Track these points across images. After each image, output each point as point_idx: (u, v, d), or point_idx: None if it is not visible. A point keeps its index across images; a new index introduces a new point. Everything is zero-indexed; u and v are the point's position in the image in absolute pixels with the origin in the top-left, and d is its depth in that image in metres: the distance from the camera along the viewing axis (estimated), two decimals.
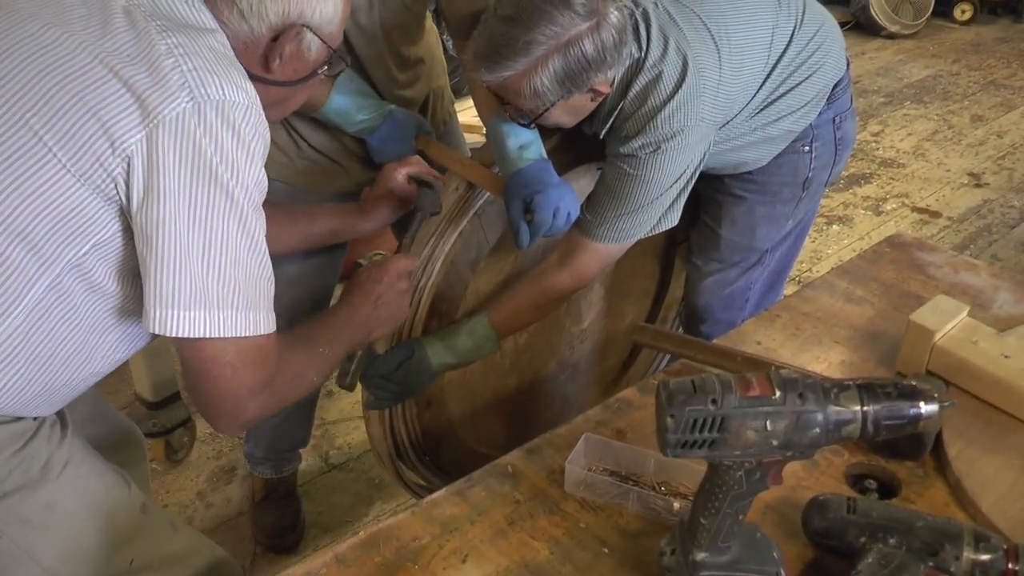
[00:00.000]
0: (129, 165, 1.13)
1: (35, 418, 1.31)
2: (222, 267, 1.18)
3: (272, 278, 1.27)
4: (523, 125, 1.74)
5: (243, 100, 1.19)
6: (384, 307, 1.57)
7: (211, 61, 1.19)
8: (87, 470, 1.38)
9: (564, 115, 1.74)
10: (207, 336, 1.18)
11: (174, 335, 1.17)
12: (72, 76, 1.14)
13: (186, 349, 1.21)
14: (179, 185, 1.14)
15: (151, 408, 2.59)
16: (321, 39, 1.34)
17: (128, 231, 1.19)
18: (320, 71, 1.41)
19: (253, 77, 1.27)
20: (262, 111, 1.23)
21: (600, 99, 1.75)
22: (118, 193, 1.15)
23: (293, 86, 1.39)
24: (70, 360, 1.27)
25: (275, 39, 1.31)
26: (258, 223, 1.23)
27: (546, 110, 1.68)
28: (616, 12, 1.63)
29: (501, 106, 1.74)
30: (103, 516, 1.37)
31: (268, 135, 1.24)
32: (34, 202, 1.14)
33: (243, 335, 1.21)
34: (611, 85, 1.74)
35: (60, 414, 1.38)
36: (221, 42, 1.25)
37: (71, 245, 1.17)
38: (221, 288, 1.18)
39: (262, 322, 1.24)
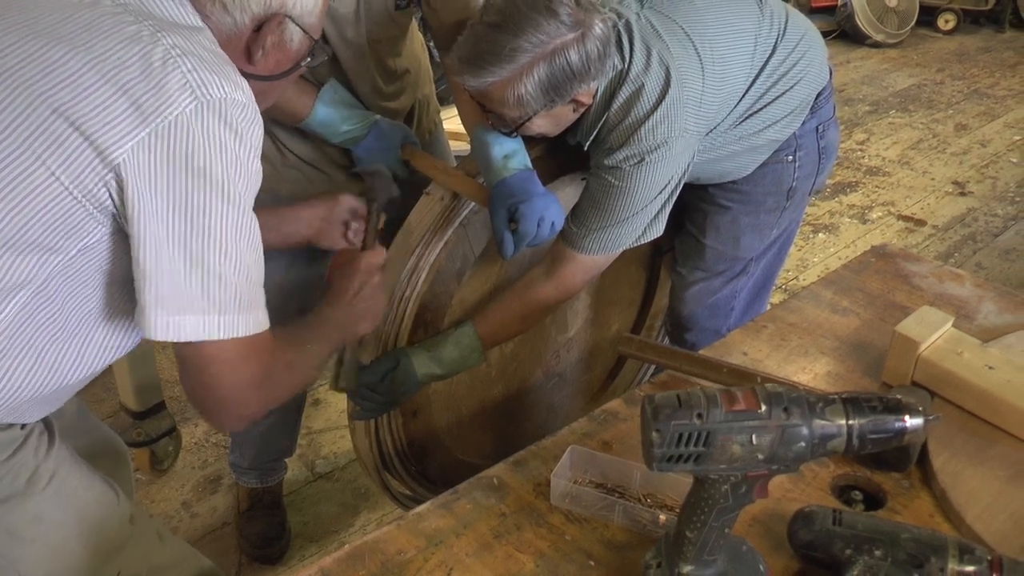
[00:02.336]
0: (120, 173, 1.12)
1: (23, 426, 1.30)
2: (223, 271, 1.18)
3: (263, 275, 1.28)
4: (505, 134, 1.74)
5: (242, 98, 1.19)
6: (360, 302, 1.57)
7: (208, 60, 1.18)
8: (75, 481, 1.37)
9: (547, 125, 1.74)
10: (207, 339, 1.19)
11: (177, 340, 1.18)
12: (60, 86, 1.13)
13: (185, 349, 1.21)
14: (177, 191, 1.13)
15: (136, 417, 2.58)
16: (303, 29, 1.34)
17: (116, 235, 1.19)
18: (303, 63, 1.41)
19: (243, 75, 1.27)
20: (257, 107, 1.23)
21: (582, 110, 1.75)
22: (111, 199, 1.14)
23: (276, 79, 1.39)
24: (58, 363, 1.26)
25: (258, 30, 1.30)
26: (255, 220, 1.23)
27: (528, 119, 1.69)
28: (601, 24, 1.64)
29: (483, 115, 1.74)
30: (91, 528, 1.36)
31: (262, 129, 1.24)
32: (23, 209, 1.13)
33: (243, 335, 1.22)
34: (594, 96, 1.74)
35: (47, 423, 1.37)
36: (210, 39, 1.24)
37: (59, 250, 1.16)
38: (222, 291, 1.18)
39: (260, 321, 1.25)
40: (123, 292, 1.26)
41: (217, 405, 1.27)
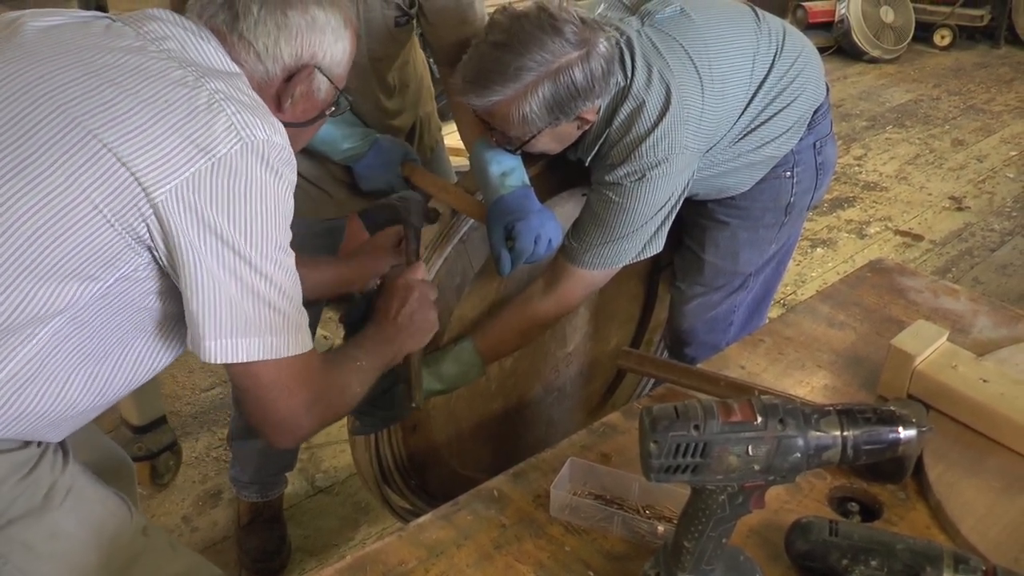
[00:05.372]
0: (162, 209, 1.17)
1: (39, 445, 1.32)
2: (270, 296, 1.25)
3: (302, 299, 1.34)
4: (509, 151, 1.76)
5: (280, 140, 1.25)
6: (404, 318, 1.61)
7: (249, 105, 1.24)
8: (90, 495, 1.38)
9: (550, 142, 1.76)
10: (261, 359, 1.25)
11: (230, 362, 1.24)
12: (111, 124, 1.17)
13: (240, 377, 1.28)
14: (224, 225, 1.19)
15: (137, 432, 2.59)
16: (330, 80, 1.40)
17: (151, 266, 1.24)
18: (327, 112, 1.46)
19: None
20: (291, 148, 1.29)
21: (586, 127, 1.77)
22: (149, 233, 1.19)
23: (302, 127, 1.44)
24: (85, 387, 1.29)
25: (288, 79, 1.36)
26: (290, 251, 1.29)
27: (533, 137, 1.70)
28: (605, 42, 1.65)
29: (488, 132, 1.75)
30: (106, 542, 1.38)
31: (296, 167, 1.30)
32: (65, 241, 1.16)
33: (291, 355, 1.28)
34: (597, 113, 1.76)
35: (61, 441, 1.39)
36: (246, 84, 1.29)
37: (98, 279, 1.20)
38: (272, 314, 1.25)
39: (306, 342, 1.32)
40: (152, 319, 1.31)
41: (275, 428, 1.34)
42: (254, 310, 1.23)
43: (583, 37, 1.62)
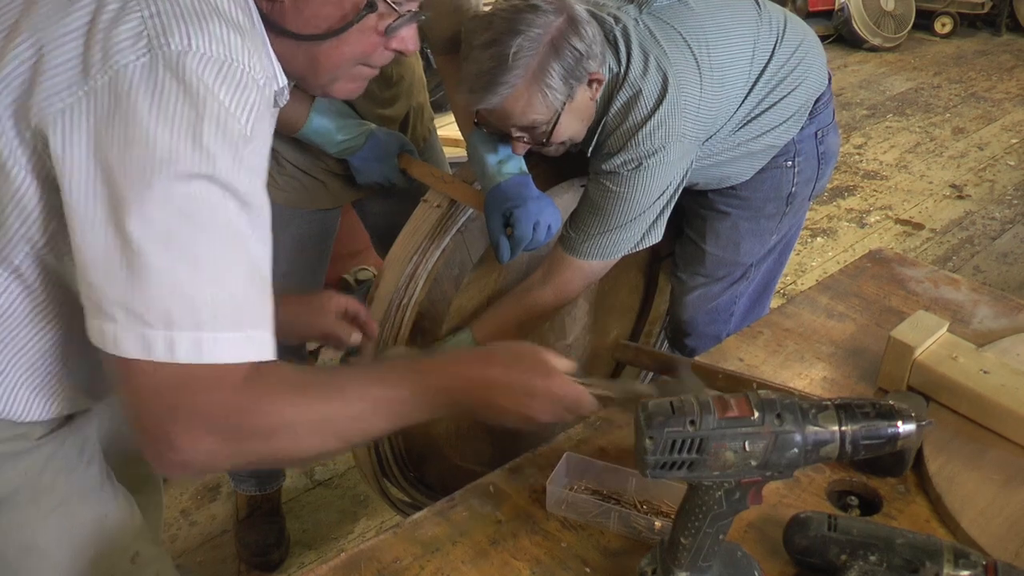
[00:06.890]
0: (50, 141, 0.92)
1: (39, 438, 1.19)
2: (166, 268, 0.92)
3: (265, 287, 1.01)
4: (542, 145, 1.73)
5: (218, 52, 0.94)
6: (520, 386, 1.17)
7: (186, 7, 0.95)
8: (84, 513, 1.26)
9: (573, 121, 1.73)
10: (134, 357, 0.93)
11: (107, 351, 0.95)
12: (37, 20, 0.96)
13: (111, 366, 0.96)
14: (111, 163, 0.91)
15: None
16: None
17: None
18: (359, 16, 1.11)
19: (271, 30, 1.07)
20: (254, 76, 0.98)
21: (599, 89, 1.74)
22: (56, 174, 0.94)
23: (318, 40, 1.11)
24: (41, 350, 1.11)
25: None
26: (234, 210, 0.96)
27: (557, 119, 1.68)
28: (579, 5, 1.66)
29: (512, 141, 1.73)
30: (85, 568, 1.27)
31: (260, 107, 0.98)
32: None
33: (177, 361, 0.94)
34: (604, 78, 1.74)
35: (85, 438, 1.26)
36: None
37: (24, 238, 1.02)
38: (158, 291, 0.93)
39: (233, 345, 0.97)
40: None
41: (150, 444, 0.97)
42: (132, 280, 0.91)
43: (557, 5, 1.63)
